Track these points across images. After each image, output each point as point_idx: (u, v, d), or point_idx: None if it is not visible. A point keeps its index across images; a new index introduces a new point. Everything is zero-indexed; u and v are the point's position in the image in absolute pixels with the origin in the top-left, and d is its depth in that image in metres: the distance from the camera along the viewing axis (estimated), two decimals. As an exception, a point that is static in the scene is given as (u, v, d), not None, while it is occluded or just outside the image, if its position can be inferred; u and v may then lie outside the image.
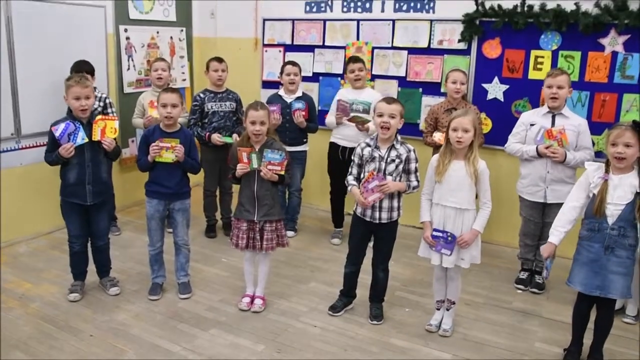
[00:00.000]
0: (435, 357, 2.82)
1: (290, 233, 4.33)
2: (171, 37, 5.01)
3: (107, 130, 3.05)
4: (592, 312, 2.73)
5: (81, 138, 2.99)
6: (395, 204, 2.96)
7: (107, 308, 3.17)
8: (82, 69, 3.76)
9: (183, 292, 3.31)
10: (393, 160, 2.90)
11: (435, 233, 2.86)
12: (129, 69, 4.65)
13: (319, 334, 2.98)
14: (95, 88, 3.87)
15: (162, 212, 3.21)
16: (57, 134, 2.98)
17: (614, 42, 3.74)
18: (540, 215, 3.48)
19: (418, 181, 2.97)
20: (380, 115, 2.87)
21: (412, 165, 2.94)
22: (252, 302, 3.21)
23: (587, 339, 2.77)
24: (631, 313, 3.20)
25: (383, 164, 2.91)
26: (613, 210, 2.51)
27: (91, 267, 3.35)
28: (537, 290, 3.53)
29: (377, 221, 2.96)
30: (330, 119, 4.09)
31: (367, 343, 2.92)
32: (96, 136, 3.04)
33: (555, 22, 3.81)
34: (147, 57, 4.78)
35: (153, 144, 3.07)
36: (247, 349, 2.81)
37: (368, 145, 2.97)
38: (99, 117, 3.08)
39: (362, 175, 2.97)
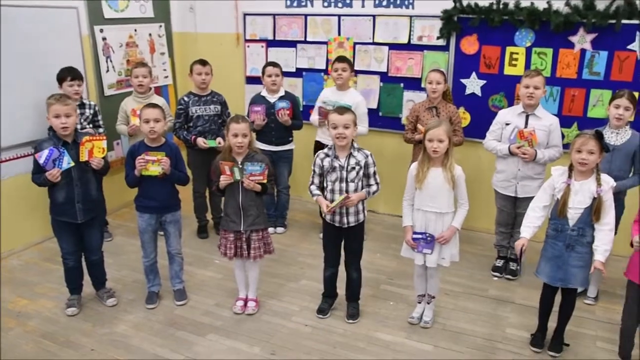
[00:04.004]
0: (417, 349, 3.04)
1: (280, 229, 4.50)
2: (150, 34, 4.94)
3: (94, 150, 3.08)
4: (557, 298, 2.99)
5: (67, 162, 2.99)
6: (360, 207, 3.13)
7: (106, 320, 3.27)
8: (75, 75, 3.77)
9: (179, 298, 3.44)
10: (353, 168, 3.04)
11: (415, 236, 3.05)
12: (108, 70, 4.59)
13: (310, 333, 3.17)
14: (81, 97, 3.89)
15: (154, 225, 3.31)
16: (41, 161, 2.96)
17: (582, 40, 3.87)
18: (512, 206, 3.71)
19: (377, 184, 3.12)
20: (335, 127, 2.98)
21: (371, 170, 3.09)
22: (245, 304, 3.38)
23: (552, 322, 3.03)
24: (592, 295, 3.52)
25: (344, 173, 3.04)
26: (573, 214, 2.75)
27: (86, 278, 3.41)
28: (511, 277, 3.80)
29: (346, 225, 3.13)
30: (314, 117, 4.21)
31: (354, 339, 3.12)
32: (83, 157, 3.06)
33: (528, 20, 3.92)
34: (127, 56, 4.73)
35: (139, 157, 3.11)
36: (244, 353, 2.99)
37: (327, 155, 3.09)
38: (86, 137, 3.08)
39: (324, 184, 3.11)
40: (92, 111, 3.96)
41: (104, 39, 4.53)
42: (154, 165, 3.13)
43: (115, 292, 3.50)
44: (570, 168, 2.80)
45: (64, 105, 3.01)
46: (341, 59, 4.07)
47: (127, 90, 4.59)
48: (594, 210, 2.70)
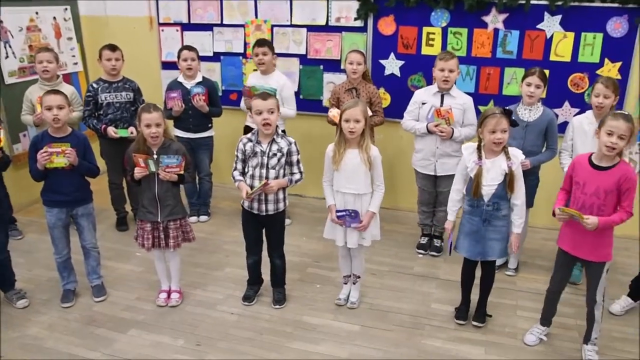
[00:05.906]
0: (344, 330, 3.06)
1: (203, 218, 4.40)
2: (54, 18, 4.60)
3: None
4: (478, 271, 3.09)
5: None
6: (280, 195, 3.09)
7: (17, 323, 3.07)
8: None
9: (97, 295, 3.30)
10: (275, 154, 3.00)
11: (338, 213, 3.04)
12: (7, 56, 4.23)
13: (235, 321, 3.12)
14: None
15: (64, 220, 3.13)
16: None
17: (495, 20, 3.99)
18: (433, 185, 3.80)
19: (301, 172, 3.10)
20: (260, 113, 2.93)
21: (294, 158, 3.06)
22: (169, 296, 3.28)
23: (475, 294, 3.14)
24: (512, 266, 3.69)
25: (265, 159, 3.00)
26: (488, 190, 2.84)
27: (-7, 281, 3.20)
28: (435, 253, 3.91)
29: (265, 213, 3.08)
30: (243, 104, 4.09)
31: (281, 324, 3.10)
32: None
33: (443, 1, 3.98)
34: (29, 42, 4.38)
35: (41, 150, 2.92)
36: (168, 346, 2.90)
37: (250, 140, 3.04)
38: None
39: (246, 170, 3.05)
40: None
41: (-1, 22, 4.18)
42: (59, 157, 2.94)
43: (26, 293, 3.29)
44: (479, 148, 2.86)
45: None
46: (261, 42, 3.96)
47: (32, 78, 4.25)
48: (507, 184, 2.80)
